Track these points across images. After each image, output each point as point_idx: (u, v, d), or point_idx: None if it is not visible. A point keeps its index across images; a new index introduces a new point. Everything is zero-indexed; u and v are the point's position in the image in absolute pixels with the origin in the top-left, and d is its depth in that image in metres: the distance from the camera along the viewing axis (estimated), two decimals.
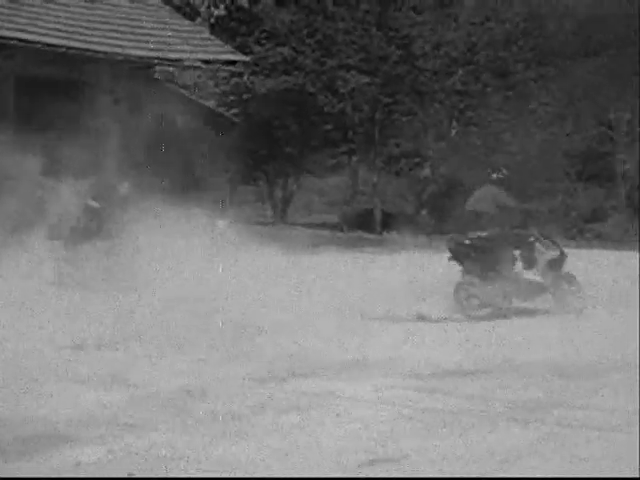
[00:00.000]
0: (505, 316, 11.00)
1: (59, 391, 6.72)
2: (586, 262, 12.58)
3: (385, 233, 27.31)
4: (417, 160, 30.76)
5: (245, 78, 27.30)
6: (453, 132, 30.72)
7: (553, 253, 11.86)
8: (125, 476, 4.94)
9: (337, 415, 6.25)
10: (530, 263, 11.77)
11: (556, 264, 11.76)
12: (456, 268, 12.00)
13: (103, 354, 8.03)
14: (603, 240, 26.35)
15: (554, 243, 12.16)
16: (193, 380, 7.12)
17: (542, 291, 11.65)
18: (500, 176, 12.31)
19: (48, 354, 7.87)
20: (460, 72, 30.31)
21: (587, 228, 28.13)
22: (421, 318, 10.24)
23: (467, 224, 11.98)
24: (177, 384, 6.96)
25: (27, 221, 13.03)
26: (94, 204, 13.43)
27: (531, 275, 11.75)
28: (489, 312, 11.20)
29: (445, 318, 10.29)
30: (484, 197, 12.06)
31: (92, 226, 13.11)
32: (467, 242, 11.75)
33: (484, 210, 11.91)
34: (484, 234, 11.76)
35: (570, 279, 11.74)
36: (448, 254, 12.03)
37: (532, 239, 11.85)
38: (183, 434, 5.74)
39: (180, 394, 6.71)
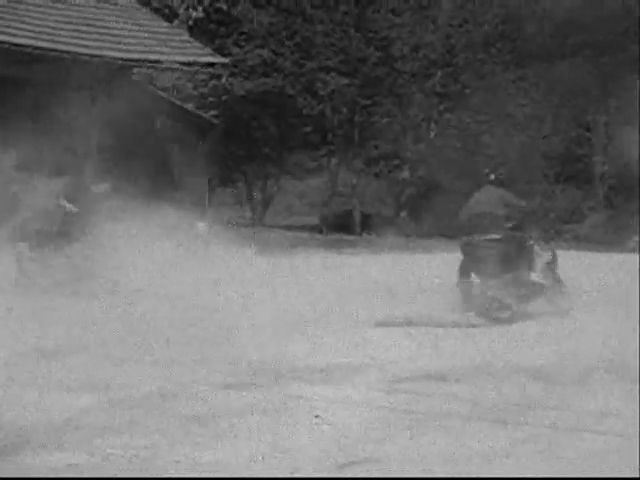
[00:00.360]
0: (520, 319, 10.84)
1: (26, 396, 6.67)
2: (565, 264, 12.59)
3: (364, 234, 27.36)
4: (396, 162, 30.83)
5: (224, 80, 27.30)
6: (432, 134, 30.81)
7: (548, 254, 11.82)
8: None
9: (317, 417, 6.25)
10: (531, 265, 11.69)
11: (553, 265, 11.73)
12: (436, 270, 12.02)
13: (71, 359, 7.96)
14: (581, 241, 26.47)
15: (547, 244, 12.13)
16: (166, 383, 7.09)
17: (542, 293, 11.57)
18: (499, 176, 12.17)
19: (10, 360, 7.78)
20: (439, 74, 30.40)
21: (565, 229, 28.25)
22: (405, 321, 10.19)
23: (473, 226, 11.73)
24: (150, 388, 6.93)
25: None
26: (69, 206, 13.30)
27: (533, 277, 11.67)
28: (509, 315, 10.98)
29: (427, 323, 10.22)
30: (489, 198, 11.89)
31: (64, 228, 12.95)
32: (483, 244, 11.49)
33: (492, 211, 11.74)
34: (497, 236, 11.58)
35: (560, 280, 11.72)
36: (460, 255, 11.80)
37: (532, 241, 11.78)
38: (162, 437, 5.73)
39: (154, 397, 6.68)
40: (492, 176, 12.09)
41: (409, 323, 9.98)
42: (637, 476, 5.08)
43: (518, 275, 11.45)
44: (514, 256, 11.52)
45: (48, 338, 8.57)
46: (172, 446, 5.55)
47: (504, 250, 11.45)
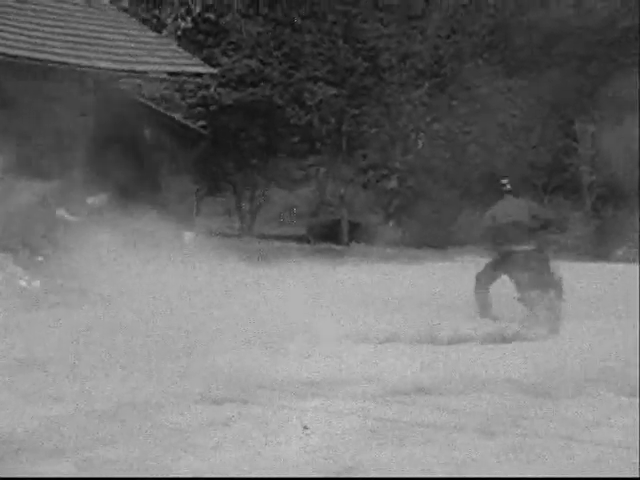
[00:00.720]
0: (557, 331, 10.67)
1: (6, 406, 6.66)
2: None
3: (352, 244, 27.35)
4: (384, 172, 30.85)
5: (212, 90, 27.31)
6: (420, 144, 30.85)
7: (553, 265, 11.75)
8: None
9: (304, 428, 6.25)
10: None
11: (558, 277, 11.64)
12: (422, 281, 12.02)
13: (50, 369, 7.93)
14: (570, 251, 26.50)
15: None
16: (145, 396, 7.06)
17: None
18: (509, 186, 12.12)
19: None
20: (427, 84, 30.45)
21: (552, 240, 28.25)
22: (389, 335, 10.04)
23: (503, 236, 11.57)
24: (127, 399, 6.91)
25: None
26: (68, 216, 13.21)
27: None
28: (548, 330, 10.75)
29: (417, 338, 10.07)
30: (517, 208, 11.83)
31: (55, 237, 12.88)
32: (521, 254, 11.34)
33: (521, 221, 11.67)
34: (531, 247, 11.49)
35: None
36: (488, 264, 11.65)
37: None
38: (141, 448, 5.71)
39: (130, 409, 6.67)
40: (508, 186, 12.05)
41: (396, 338, 9.81)
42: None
43: (555, 286, 11.30)
44: (550, 267, 11.46)
45: (28, 349, 8.53)
46: (165, 457, 5.55)
47: (541, 261, 11.38)
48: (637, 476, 5.10)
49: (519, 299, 11.18)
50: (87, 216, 13.40)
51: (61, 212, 13.27)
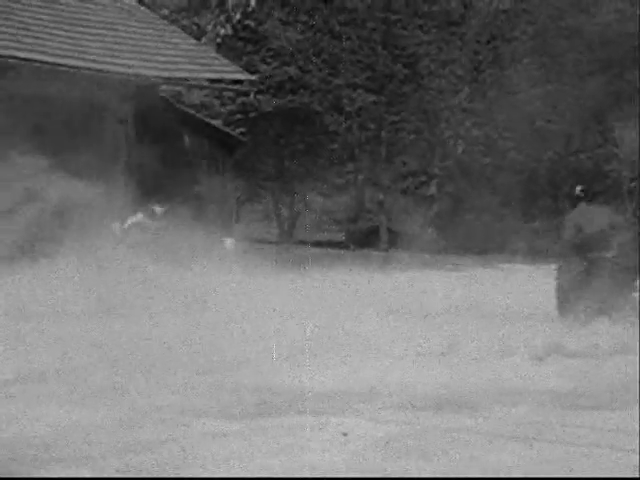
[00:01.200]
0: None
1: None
2: None
3: (391, 251, 27.34)
4: (423, 178, 30.82)
5: (251, 97, 27.39)
6: (459, 150, 30.78)
7: None
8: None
9: (342, 434, 6.26)
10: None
11: None
12: (465, 289, 11.94)
13: (67, 378, 7.96)
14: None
15: None
16: (173, 409, 7.07)
17: None
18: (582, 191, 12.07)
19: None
20: (466, 90, 30.40)
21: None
22: (422, 345, 9.85)
23: (585, 244, 11.47)
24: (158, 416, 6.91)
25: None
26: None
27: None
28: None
29: (448, 347, 9.93)
30: (599, 216, 11.76)
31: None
32: (609, 261, 11.27)
33: (604, 228, 11.62)
34: (611, 254, 11.44)
35: None
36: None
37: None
38: (179, 455, 5.76)
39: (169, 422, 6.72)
40: (580, 192, 11.96)
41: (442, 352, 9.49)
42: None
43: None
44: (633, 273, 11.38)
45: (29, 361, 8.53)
46: (204, 463, 5.58)
47: (628, 267, 11.29)
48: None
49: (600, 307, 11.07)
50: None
51: (115, 225, 13.32)
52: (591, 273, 11.40)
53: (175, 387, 7.68)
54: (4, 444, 5.83)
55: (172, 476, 5.09)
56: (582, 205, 11.87)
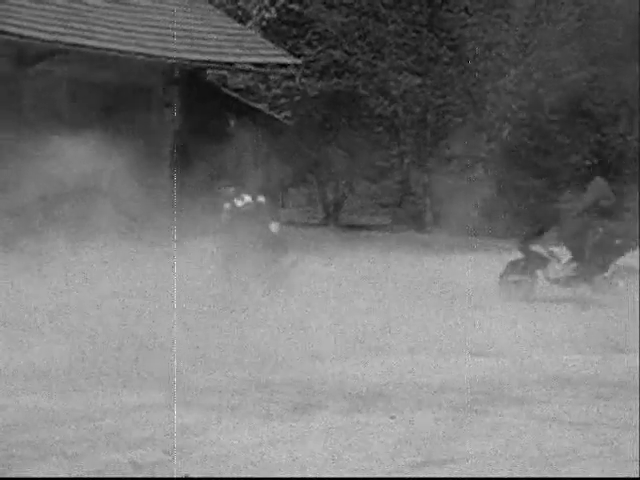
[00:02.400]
0: None
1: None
2: None
3: (437, 234, 27.26)
4: (468, 162, 30.68)
5: (296, 81, 27.39)
6: (505, 133, 30.61)
7: None
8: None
9: (390, 418, 6.28)
10: None
11: None
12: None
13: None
14: None
15: None
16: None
17: None
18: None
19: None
20: (512, 73, 30.20)
21: None
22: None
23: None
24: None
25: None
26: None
27: None
28: None
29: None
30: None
31: None
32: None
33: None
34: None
35: None
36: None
37: None
38: (231, 434, 5.81)
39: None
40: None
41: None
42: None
43: None
44: None
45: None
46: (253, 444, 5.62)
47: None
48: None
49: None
50: None
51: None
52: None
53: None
54: None
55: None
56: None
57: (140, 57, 17.17)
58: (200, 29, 18.99)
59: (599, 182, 12.58)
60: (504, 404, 6.75)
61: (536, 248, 12.50)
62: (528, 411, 6.55)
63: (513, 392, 7.25)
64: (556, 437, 5.84)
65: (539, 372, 8.04)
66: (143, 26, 17.89)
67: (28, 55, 16.42)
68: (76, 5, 17.23)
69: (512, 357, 8.68)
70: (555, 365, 8.38)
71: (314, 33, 29.19)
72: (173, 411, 6.22)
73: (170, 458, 5.24)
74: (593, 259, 11.87)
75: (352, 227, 28.52)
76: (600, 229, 11.99)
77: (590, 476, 5.10)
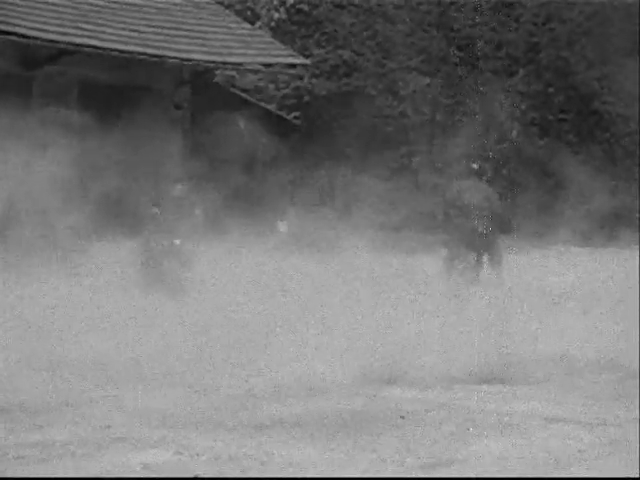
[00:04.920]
0: None
1: None
2: None
3: (448, 233, 27.19)
4: (478, 161, 30.63)
5: (305, 81, 27.42)
6: (514, 133, 30.58)
7: None
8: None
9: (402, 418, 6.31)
10: None
11: None
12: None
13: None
14: None
15: None
16: None
17: None
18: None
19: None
20: (521, 72, 30.16)
21: None
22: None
23: None
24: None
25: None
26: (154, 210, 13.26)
27: None
28: None
29: None
30: None
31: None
32: None
33: None
34: None
35: None
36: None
37: None
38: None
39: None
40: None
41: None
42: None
43: None
44: None
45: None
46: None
47: None
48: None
49: None
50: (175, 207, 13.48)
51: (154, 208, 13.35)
52: None
53: None
54: None
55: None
56: None
57: (149, 58, 17.22)
58: (209, 29, 19.04)
59: None
60: None
61: None
62: None
63: None
64: None
65: None
66: (152, 27, 17.94)
67: (37, 57, 16.49)
68: (85, 6, 17.30)
69: None
70: None
71: (323, 33, 29.21)
72: None
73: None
74: None
75: (361, 227, 28.45)
76: None
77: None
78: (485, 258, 14.45)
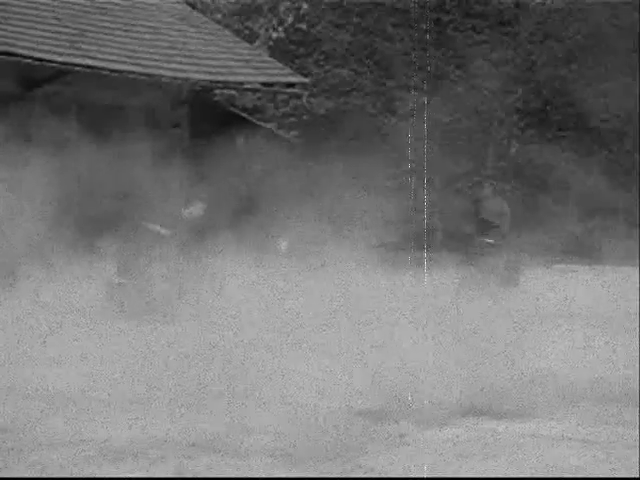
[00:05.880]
0: None
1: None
2: None
3: (447, 253, 27.21)
4: (477, 179, 30.67)
5: (304, 100, 27.48)
6: (513, 150, 30.63)
7: None
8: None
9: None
10: None
11: None
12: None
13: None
14: None
15: None
16: None
17: None
18: None
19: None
20: (520, 91, 30.24)
21: None
22: None
23: None
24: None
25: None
26: (160, 230, 13.27)
27: None
28: None
29: None
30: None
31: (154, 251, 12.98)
32: None
33: None
34: None
35: None
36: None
37: None
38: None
39: None
40: None
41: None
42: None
43: None
44: None
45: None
46: None
47: None
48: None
49: None
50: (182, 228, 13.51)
51: (156, 227, 13.37)
52: None
53: None
54: None
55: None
56: None
57: (148, 78, 17.25)
58: (208, 49, 19.09)
59: None
60: None
61: None
62: None
63: None
64: None
65: None
66: (151, 47, 17.98)
67: (35, 76, 16.52)
68: (84, 27, 17.34)
69: None
70: None
71: (321, 52, 29.30)
72: None
73: None
74: None
75: (359, 243, 28.46)
76: None
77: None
78: (491, 276, 14.49)
